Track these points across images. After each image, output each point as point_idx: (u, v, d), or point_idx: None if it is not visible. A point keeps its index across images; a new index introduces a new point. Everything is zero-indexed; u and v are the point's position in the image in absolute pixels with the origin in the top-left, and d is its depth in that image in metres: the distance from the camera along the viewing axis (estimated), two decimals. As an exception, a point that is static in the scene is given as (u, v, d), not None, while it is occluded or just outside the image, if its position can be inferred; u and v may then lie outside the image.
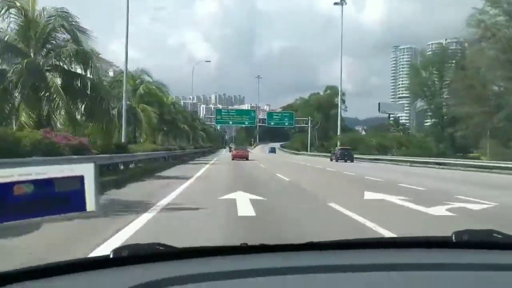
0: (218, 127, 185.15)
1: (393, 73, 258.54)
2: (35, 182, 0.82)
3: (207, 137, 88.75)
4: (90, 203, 0.87)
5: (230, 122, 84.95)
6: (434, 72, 71.67)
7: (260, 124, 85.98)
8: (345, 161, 41.78)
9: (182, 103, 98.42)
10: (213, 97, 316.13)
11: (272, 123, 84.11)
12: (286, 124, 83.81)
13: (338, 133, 71.95)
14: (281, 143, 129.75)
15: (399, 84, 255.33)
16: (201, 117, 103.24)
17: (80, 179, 0.85)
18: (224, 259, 1.27)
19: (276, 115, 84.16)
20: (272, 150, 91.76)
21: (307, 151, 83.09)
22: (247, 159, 40.44)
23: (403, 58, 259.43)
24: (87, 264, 1.19)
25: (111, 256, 1.20)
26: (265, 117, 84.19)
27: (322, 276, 1.15)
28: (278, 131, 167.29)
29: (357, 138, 65.75)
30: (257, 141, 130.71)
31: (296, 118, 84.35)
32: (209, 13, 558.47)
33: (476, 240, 1.39)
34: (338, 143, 70.69)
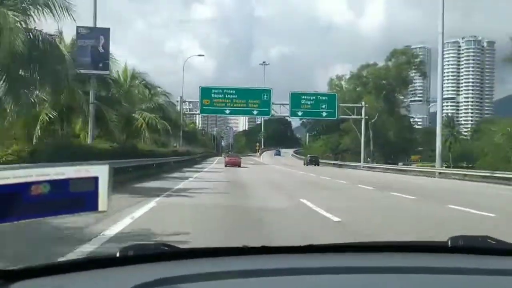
0: (214, 132, 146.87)
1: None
2: (52, 182, 0.80)
3: (187, 139, 49.79)
4: (103, 203, 0.84)
5: (227, 111, 45.44)
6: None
7: (279, 115, 46.76)
8: (314, 166, 45.84)
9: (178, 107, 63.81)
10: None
11: (300, 114, 45.14)
12: (324, 114, 44.63)
13: (438, 130, 33.40)
14: (294, 149, 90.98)
15: (410, 87, 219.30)
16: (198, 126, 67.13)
17: (95, 180, 0.83)
18: (227, 260, 1.25)
19: (307, 99, 44.86)
20: (278, 153, 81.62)
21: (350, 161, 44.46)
22: (239, 166, 35.42)
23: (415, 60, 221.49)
24: (94, 263, 1.17)
25: (117, 255, 1.18)
26: (287, 103, 44.86)
27: (322, 277, 1.13)
28: (287, 135, 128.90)
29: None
30: (262, 145, 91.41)
31: (341, 105, 45.35)
32: (206, 19, 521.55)
33: (471, 245, 1.35)
34: (437, 151, 32.84)
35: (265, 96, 44.60)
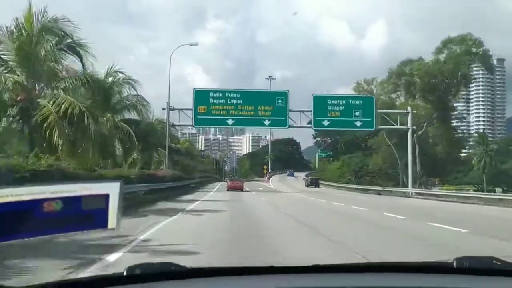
0: (217, 156, 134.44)
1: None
2: (64, 199, 0.80)
3: (180, 161, 38.26)
4: (112, 221, 0.84)
5: (230, 121, 33.49)
6: None
7: (299, 126, 34.78)
8: (315, 187, 48.24)
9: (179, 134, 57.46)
10: (212, 128, 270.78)
11: (327, 123, 33.12)
12: (358, 124, 32.74)
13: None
14: (306, 173, 79.09)
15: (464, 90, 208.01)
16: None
17: (105, 197, 0.83)
18: (232, 279, 1.23)
19: (335, 104, 33.03)
20: (291, 174, 75.67)
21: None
22: (241, 190, 32.86)
23: (478, 49, 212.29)
24: (102, 281, 1.18)
25: (124, 273, 1.18)
26: (310, 110, 33.06)
27: None
28: (295, 158, 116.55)
29: None
30: (269, 168, 79.57)
31: (381, 111, 33.54)
32: (208, 44, 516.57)
33: (477, 266, 1.33)
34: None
35: (280, 101, 32.86)
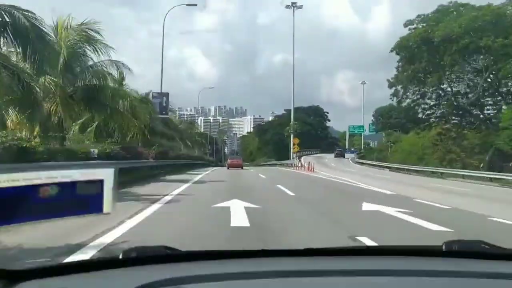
0: (215, 135, 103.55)
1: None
2: (59, 184, 0.81)
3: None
4: (107, 206, 0.85)
5: None
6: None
7: None
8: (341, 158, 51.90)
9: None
10: (212, 109, 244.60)
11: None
12: None
13: None
14: (356, 153, 48.94)
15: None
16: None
17: (100, 183, 0.84)
18: (227, 262, 1.25)
19: None
20: (355, 151, 58.64)
21: None
22: (242, 168, 31.90)
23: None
24: (98, 264, 1.18)
25: (120, 257, 1.18)
26: None
27: (320, 280, 1.11)
28: (320, 133, 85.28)
29: None
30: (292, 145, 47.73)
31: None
32: (209, 27, 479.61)
33: (465, 249, 1.34)
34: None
35: None
